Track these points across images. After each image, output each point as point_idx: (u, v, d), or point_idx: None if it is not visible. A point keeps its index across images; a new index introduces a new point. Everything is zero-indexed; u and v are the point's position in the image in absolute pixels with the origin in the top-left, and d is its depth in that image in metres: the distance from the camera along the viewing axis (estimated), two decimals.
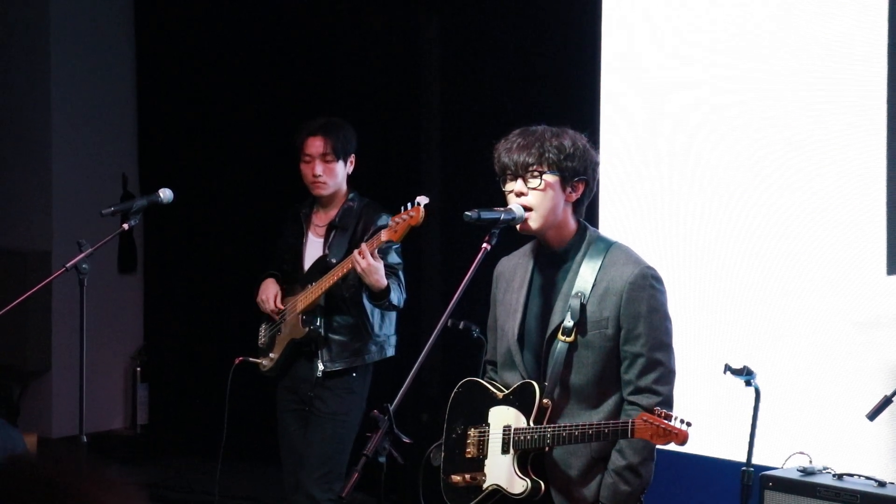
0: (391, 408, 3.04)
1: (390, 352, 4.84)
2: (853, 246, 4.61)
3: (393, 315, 4.81)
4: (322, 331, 4.68)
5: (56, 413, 7.50)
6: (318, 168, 4.72)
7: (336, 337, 4.70)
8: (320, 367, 4.70)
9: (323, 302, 4.68)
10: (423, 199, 4.19)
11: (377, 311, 4.71)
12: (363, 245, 4.44)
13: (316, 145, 4.74)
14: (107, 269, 7.57)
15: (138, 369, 7.89)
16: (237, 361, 4.88)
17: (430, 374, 6.06)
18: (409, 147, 6.47)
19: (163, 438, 7.71)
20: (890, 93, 4.52)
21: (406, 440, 3.08)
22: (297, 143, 4.80)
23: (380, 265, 4.45)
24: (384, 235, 4.33)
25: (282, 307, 4.82)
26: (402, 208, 4.25)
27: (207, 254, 7.61)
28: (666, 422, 3.06)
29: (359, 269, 4.43)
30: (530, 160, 3.29)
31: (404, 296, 4.67)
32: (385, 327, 4.78)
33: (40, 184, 7.56)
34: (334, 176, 4.75)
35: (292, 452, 4.84)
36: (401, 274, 4.69)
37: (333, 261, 4.69)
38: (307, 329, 4.70)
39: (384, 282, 4.49)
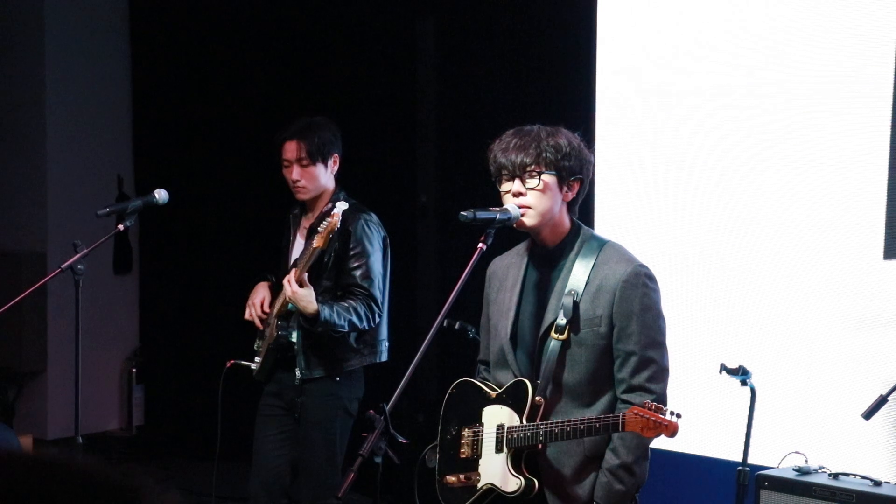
0: (387, 408, 3.03)
1: (380, 357, 4.70)
2: (850, 241, 4.61)
3: (383, 320, 4.66)
4: (291, 337, 4.56)
5: (51, 414, 7.50)
6: (296, 173, 4.59)
7: (312, 344, 4.57)
8: (298, 374, 4.59)
9: (294, 307, 4.50)
10: (341, 206, 4.28)
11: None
12: (293, 271, 4.37)
13: (291, 150, 4.61)
14: (102, 270, 7.58)
15: (134, 370, 7.89)
16: (228, 365, 4.83)
17: (427, 374, 6.06)
18: (405, 148, 6.47)
19: (159, 439, 7.71)
20: None
21: (402, 440, 3.07)
22: (276, 148, 4.68)
23: (308, 292, 4.34)
24: (315, 242, 4.29)
25: (269, 310, 4.71)
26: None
27: (203, 255, 7.61)
28: (656, 414, 3.05)
29: (287, 295, 4.36)
30: (527, 160, 3.28)
31: (371, 316, 4.53)
32: (369, 335, 4.63)
33: (35, 185, 7.56)
34: (313, 180, 4.62)
35: (263, 458, 4.73)
36: (376, 290, 4.55)
37: None
38: (276, 334, 4.60)
39: (313, 306, 4.36)
